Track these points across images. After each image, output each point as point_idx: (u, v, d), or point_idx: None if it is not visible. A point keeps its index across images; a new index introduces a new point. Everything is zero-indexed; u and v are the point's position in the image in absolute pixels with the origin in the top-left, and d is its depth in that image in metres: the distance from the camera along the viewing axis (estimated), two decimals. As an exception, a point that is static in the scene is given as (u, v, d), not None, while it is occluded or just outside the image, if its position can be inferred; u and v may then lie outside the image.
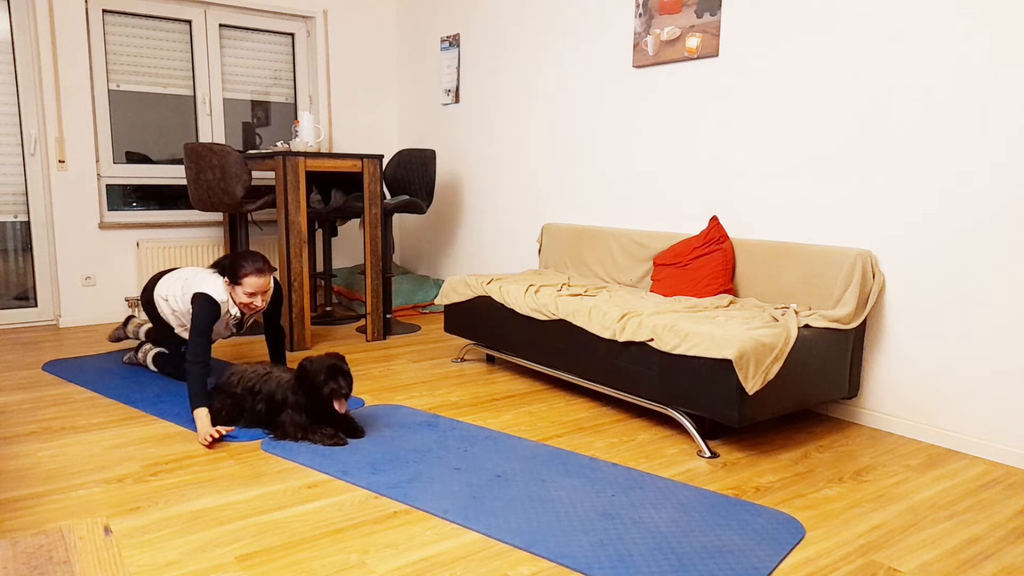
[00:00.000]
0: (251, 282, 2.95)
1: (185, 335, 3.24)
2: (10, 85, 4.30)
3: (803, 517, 2.10)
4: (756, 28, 3.19)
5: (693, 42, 3.43)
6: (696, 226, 3.54)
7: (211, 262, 4.90)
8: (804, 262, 2.95)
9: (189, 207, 4.91)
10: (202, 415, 2.63)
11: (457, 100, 5.00)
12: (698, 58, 3.43)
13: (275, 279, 3.17)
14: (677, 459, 2.53)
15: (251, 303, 2.99)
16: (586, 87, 4.05)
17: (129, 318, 3.76)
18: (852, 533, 2.01)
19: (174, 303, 3.17)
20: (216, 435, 2.55)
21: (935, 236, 2.68)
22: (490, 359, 3.86)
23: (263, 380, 2.72)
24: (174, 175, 4.86)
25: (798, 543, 1.94)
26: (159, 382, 3.31)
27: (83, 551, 1.86)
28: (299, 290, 3.88)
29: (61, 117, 4.37)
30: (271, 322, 3.23)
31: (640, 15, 3.67)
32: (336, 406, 2.56)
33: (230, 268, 2.98)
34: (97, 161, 4.56)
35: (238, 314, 3.08)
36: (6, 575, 1.72)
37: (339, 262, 5.59)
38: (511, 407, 3.07)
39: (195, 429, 2.72)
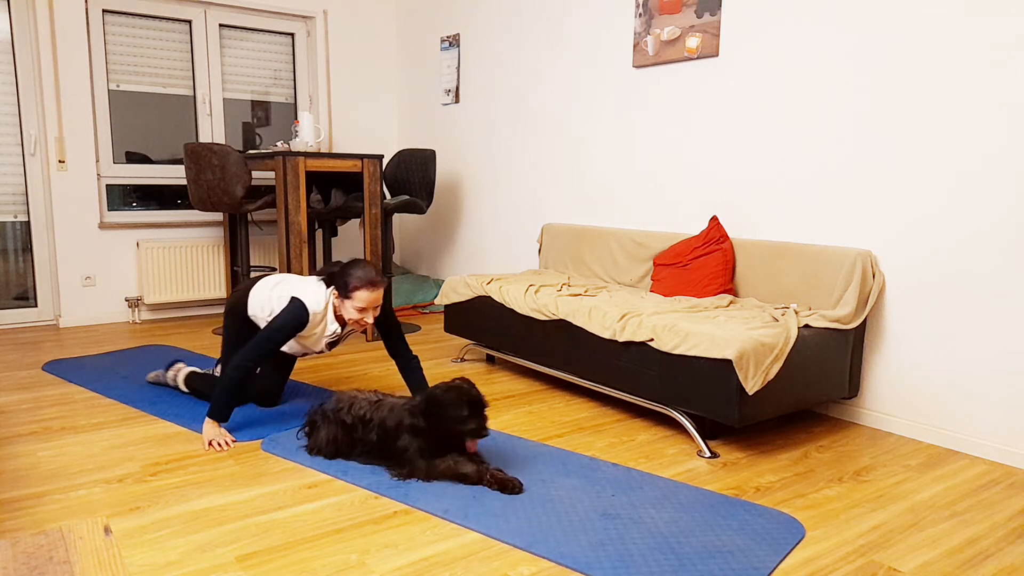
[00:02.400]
0: (362, 296, 2.57)
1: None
2: (10, 85, 4.30)
3: (803, 517, 2.10)
4: (756, 28, 3.19)
5: (693, 42, 3.43)
6: (696, 226, 3.54)
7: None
8: (804, 262, 2.95)
9: (189, 207, 4.91)
10: (215, 424, 2.52)
11: (457, 100, 5.00)
12: (698, 58, 3.43)
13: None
14: (677, 459, 2.53)
15: (361, 319, 2.62)
16: (586, 87, 4.05)
17: (174, 362, 3.28)
18: (852, 533, 2.01)
19: (274, 308, 2.74)
20: (227, 443, 2.48)
21: (935, 236, 2.68)
22: (490, 359, 3.86)
23: (375, 407, 2.41)
24: (174, 175, 4.86)
25: (798, 543, 1.94)
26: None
27: (83, 551, 1.86)
28: (299, 290, 3.87)
29: (61, 117, 4.36)
30: (393, 342, 2.81)
31: (640, 15, 3.67)
32: (469, 446, 2.26)
33: (339, 278, 2.62)
34: (97, 161, 4.56)
35: (338, 330, 2.71)
36: (6, 575, 1.72)
37: (339, 262, 5.58)
38: (511, 407, 3.07)
39: (201, 431, 2.71)
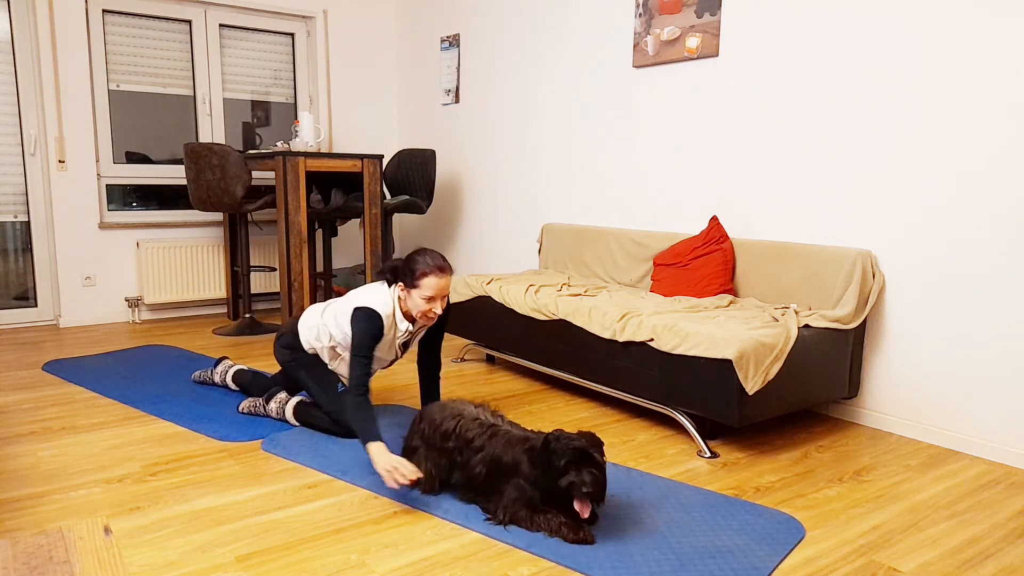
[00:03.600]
0: (430, 283, 2.42)
1: (320, 352, 2.73)
2: (10, 85, 4.30)
3: (803, 517, 2.10)
4: (756, 28, 3.19)
5: (693, 42, 3.43)
6: (696, 226, 3.54)
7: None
8: (804, 262, 2.95)
9: (189, 207, 4.91)
10: (382, 448, 2.16)
11: (457, 100, 5.00)
12: (698, 58, 3.43)
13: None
14: (677, 459, 2.53)
15: (429, 309, 2.46)
16: (586, 87, 4.05)
17: (221, 359, 3.27)
18: (852, 533, 2.01)
19: (332, 332, 2.64)
20: (412, 478, 2.07)
21: (936, 236, 2.68)
22: (490, 359, 3.86)
23: (488, 435, 2.10)
24: (174, 175, 4.86)
25: (798, 543, 1.94)
26: (160, 382, 3.31)
27: (83, 551, 1.86)
28: (299, 290, 3.88)
29: (61, 117, 4.36)
30: (429, 347, 2.72)
31: (640, 15, 3.67)
32: (577, 507, 1.91)
33: (403, 269, 2.49)
34: (97, 161, 4.56)
35: (410, 328, 2.55)
36: (6, 575, 1.72)
37: (339, 262, 5.58)
38: (511, 407, 3.07)
39: (205, 434, 2.71)
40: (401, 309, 2.53)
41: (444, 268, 2.46)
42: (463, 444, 2.13)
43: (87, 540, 1.91)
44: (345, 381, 2.75)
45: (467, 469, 2.10)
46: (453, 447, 2.14)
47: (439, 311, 2.48)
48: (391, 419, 2.86)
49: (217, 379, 3.20)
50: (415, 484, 2.15)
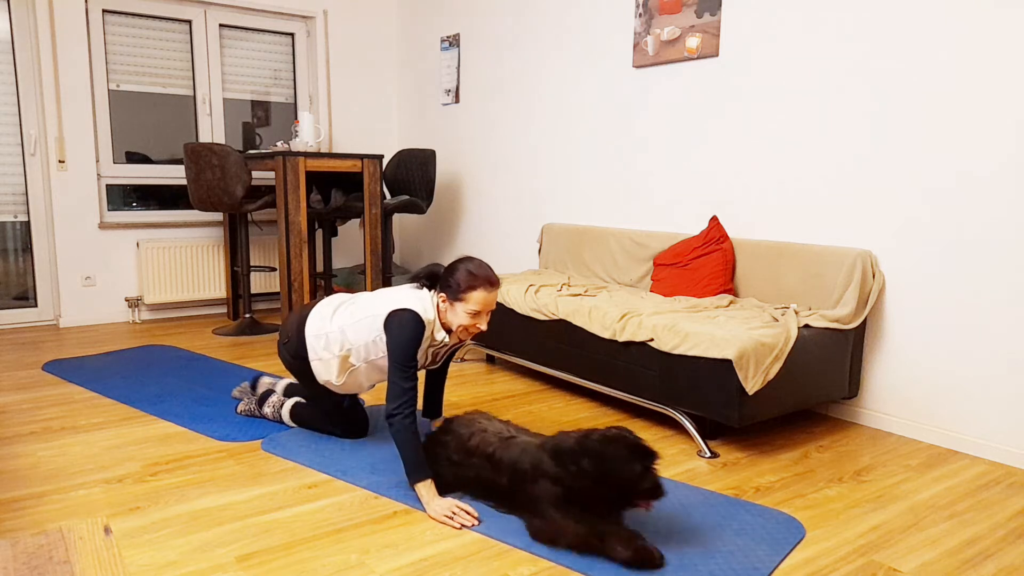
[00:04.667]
0: (478, 297, 2.20)
1: (326, 370, 2.46)
2: (10, 85, 4.30)
3: (803, 517, 2.10)
4: (756, 28, 3.19)
5: (693, 42, 3.43)
6: (696, 226, 3.54)
7: (210, 260, 4.90)
8: (804, 262, 2.95)
9: (189, 207, 4.91)
10: (433, 489, 2.06)
11: (457, 100, 5.00)
12: (698, 58, 3.43)
13: None
14: (677, 459, 2.53)
15: (473, 325, 2.24)
16: (586, 87, 4.05)
17: (257, 379, 2.99)
18: (852, 533, 2.01)
19: (347, 339, 2.38)
20: (470, 521, 1.98)
21: (935, 236, 2.68)
22: (490, 359, 3.86)
23: (504, 446, 2.05)
24: (174, 175, 4.86)
25: (798, 543, 1.94)
26: (160, 382, 3.31)
27: (83, 551, 1.86)
28: (299, 290, 3.88)
29: (61, 117, 4.36)
30: (447, 356, 2.53)
31: (640, 15, 3.67)
32: (642, 504, 1.84)
33: (446, 279, 2.25)
34: (97, 161, 4.56)
35: (446, 340, 2.31)
36: (6, 575, 1.72)
37: (339, 262, 5.58)
38: (511, 407, 3.07)
39: (205, 434, 2.71)
40: (440, 320, 2.29)
41: (494, 282, 2.23)
42: (485, 460, 2.05)
43: (87, 540, 1.91)
44: (363, 390, 2.55)
45: (494, 483, 2.04)
46: (479, 463, 2.06)
47: (483, 327, 2.25)
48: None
49: (268, 411, 2.80)
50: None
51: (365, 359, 2.39)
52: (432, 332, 2.28)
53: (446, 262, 5.23)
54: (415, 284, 2.35)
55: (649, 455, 1.81)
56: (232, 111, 5.06)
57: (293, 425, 2.74)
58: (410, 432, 2.08)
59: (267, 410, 2.80)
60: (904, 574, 1.81)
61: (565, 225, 4.11)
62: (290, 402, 2.76)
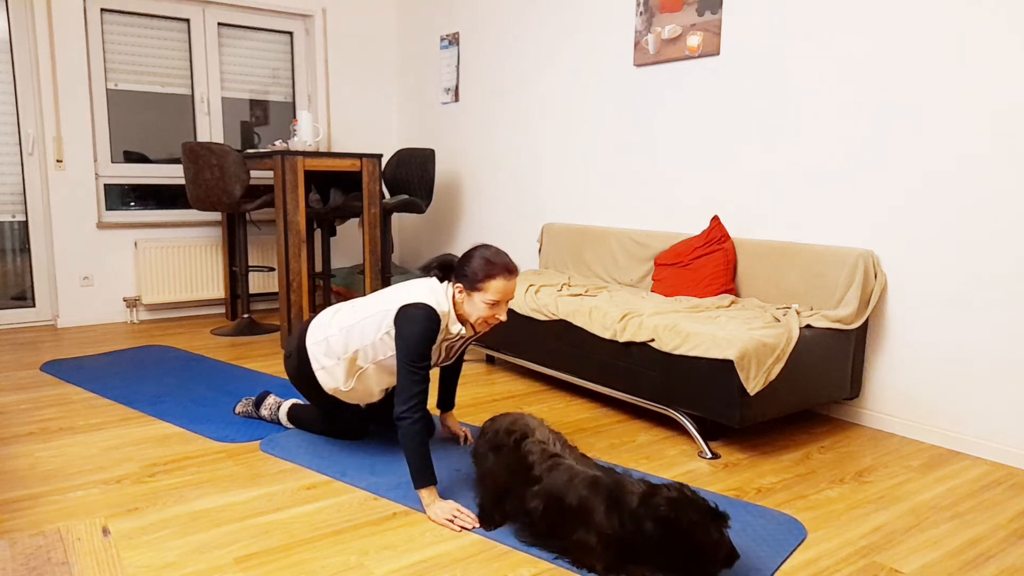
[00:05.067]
0: (497, 286, 2.09)
1: (332, 378, 2.36)
2: (8, 84, 4.29)
3: (805, 518, 2.09)
4: (757, 26, 3.18)
5: (694, 40, 3.42)
6: (697, 226, 3.53)
7: (212, 260, 4.88)
8: (806, 262, 2.95)
9: (187, 207, 4.90)
10: (435, 494, 2.03)
11: (457, 99, 4.99)
12: (699, 57, 3.42)
13: None
14: (678, 460, 2.52)
15: (492, 315, 2.14)
16: (587, 85, 4.04)
17: (264, 398, 2.81)
18: (854, 534, 2.00)
19: (351, 339, 2.27)
20: (470, 524, 1.95)
21: (938, 236, 2.67)
22: (490, 359, 3.85)
23: (548, 465, 1.85)
24: (172, 175, 4.85)
25: (800, 544, 1.94)
26: (158, 382, 3.30)
27: (81, 552, 1.85)
28: (298, 290, 3.87)
29: (59, 116, 4.35)
30: (460, 350, 2.41)
31: (641, 13, 3.66)
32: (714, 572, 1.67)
33: (462, 268, 2.15)
34: (95, 161, 4.54)
35: (462, 332, 2.20)
36: (3, 577, 1.71)
37: (338, 262, 5.57)
38: (511, 407, 3.06)
39: (203, 434, 2.70)
40: (456, 311, 2.18)
41: (512, 269, 2.11)
42: (520, 467, 1.87)
43: (85, 541, 1.90)
44: (374, 397, 2.45)
45: (523, 503, 1.85)
46: (508, 465, 1.90)
47: (503, 317, 2.15)
48: (390, 419, 2.84)
49: (265, 414, 2.77)
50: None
51: (374, 359, 2.26)
52: (447, 325, 2.16)
53: (445, 262, 5.22)
54: (427, 275, 2.24)
55: (722, 519, 1.65)
56: (230, 110, 5.05)
57: (290, 426, 2.72)
58: (419, 437, 2.02)
59: (264, 412, 2.78)
60: (906, 575, 1.80)
61: (565, 225, 4.10)
62: (287, 403, 2.74)
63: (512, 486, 1.89)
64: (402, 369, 2.05)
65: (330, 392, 2.39)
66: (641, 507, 1.68)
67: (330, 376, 2.35)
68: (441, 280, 2.21)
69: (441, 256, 2.23)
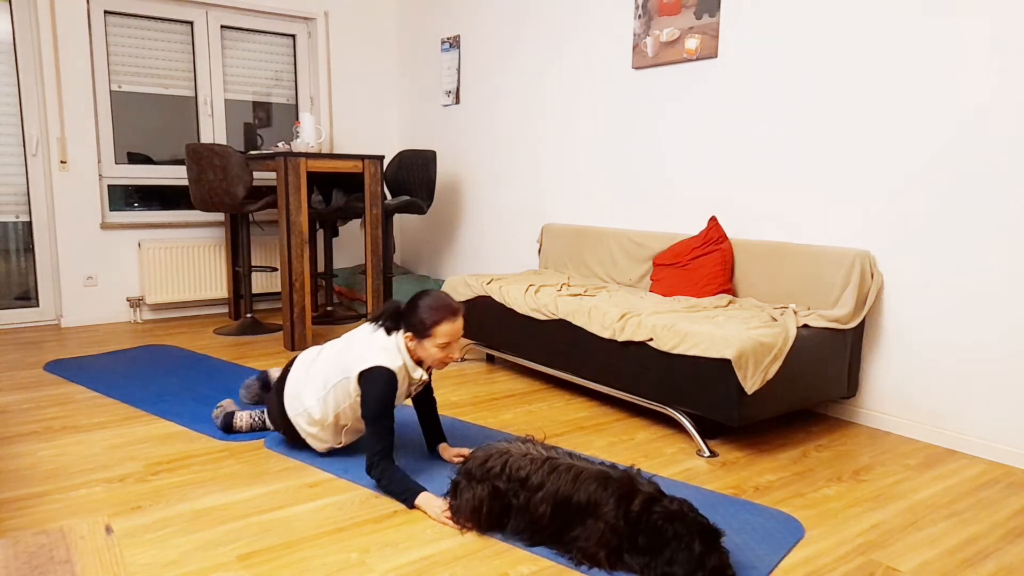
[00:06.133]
0: (445, 330, 2.20)
1: (323, 442, 2.43)
2: (12, 86, 4.31)
3: (802, 516, 2.10)
4: (755, 29, 3.19)
5: (692, 43, 3.43)
6: (695, 226, 3.54)
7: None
8: (803, 262, 2.96)
9: (190, 207, 4.92)
10: (430, 497, 2.08)
11: (457, 101, 5.00)
12: (697, 59, 3.43)
13: None
14: (676, 458, 2.53)
15: (445, 356, 2.24)
16: (586, 88, 4.05)
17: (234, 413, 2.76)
18: (851, 532, 2.01)
19: (329, 408, 2.35)
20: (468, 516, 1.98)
21: (934, 236, 2.68)
22: (490, 359, 3.86)
23: (546, 469, 1.87)
24: (175, 176, 4.87)
25: (797, 542, 1.95)
26: (161, 382, 3.32)
27: (84, 550, 1.86)
28: (300, 290, 3.89)
29: (63, 118, 4.37)
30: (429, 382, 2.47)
31: (639, 16, 3.67)
32: None
33: (409, 317, 2.23)
34: (99, 161, 4.57)
35: (423, 375, 2.31)
36: (7, 574, 1.73)
37: (340, 262, 5.59)
38: (511, 406, 3.07)
39: (206, 433, 2.72)
40: (412, 357, 2.28)
41: (456, 311, 2.22)
42: (517, 485, 1.88)
43: (88, 539, 1.92)
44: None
45: (528, 512, 1.86)
46: (504, 488, 1.90)
47: (456, 356, 2.26)
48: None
49: (244, 425, 2.71)
50: (455, 517, 1.98)
51: (355, 416, 2.36)
52: (408, 374, 2.27)
53: (447, 262, 5.25)
54: (378, 326, 2.31)
55: (711, 533, 1.69)
56: (233, 112, 5.07)
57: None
58: (389, 471, 2.13)
59: (240, 423, 2.68)
60: (903, 573, 1.81)
61: (565, 225, 4.11)
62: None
63: (512, 505, 1.91)
64: (367, 428, 2.17)
65: (326, 450, 2.46)
66: (644, 512, 1.74)
67: (320, 441, 2.44)
68: (391, 331, 2.27)
69: (388, 306, 2.30)
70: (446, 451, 2.47)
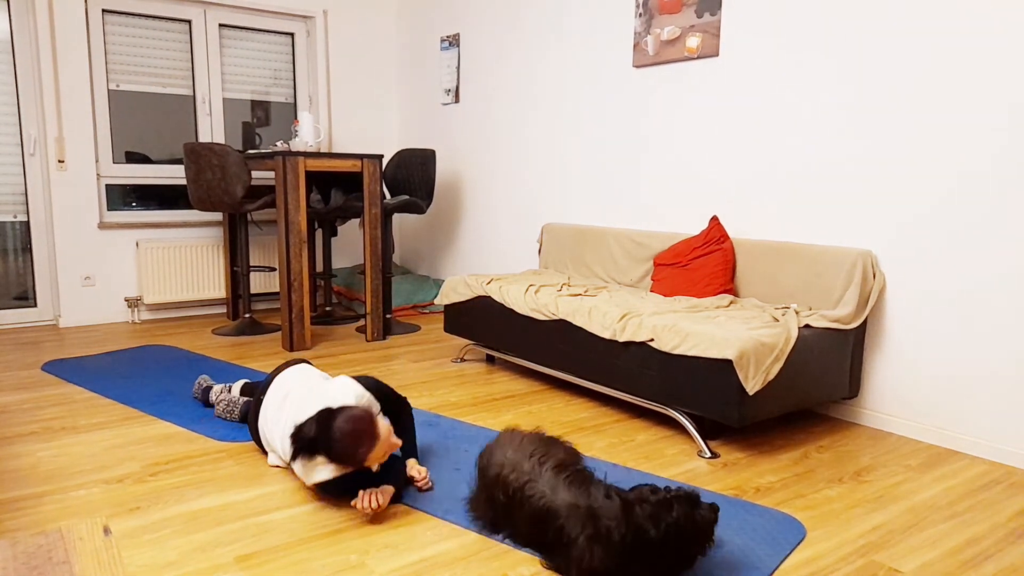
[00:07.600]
0: (340, 471, 2.07)
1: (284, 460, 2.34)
2: (10, 85, 4.30)
3: (804, 517, 2.09)
4: (756, 28, 3.18)
5: (693, 42, 3.43)
6: (696, 226, 3.53)
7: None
8: (804, 262, 2.95)
9: (189, 207, 4.91)
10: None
11: (457, 100, 5.00)
12: (698, 58, 3.42)
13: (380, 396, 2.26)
14: (677, 459, 2.52)
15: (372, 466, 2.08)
16: (586, 87, 4.04)
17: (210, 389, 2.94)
18: (853, 533, 2.01)
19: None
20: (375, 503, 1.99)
21: (936, 236, 2.68)
22: (490, 359, 3.85)
23: (519, 499, 1.82)
24: (174, 175, 4.86)
25: (799, 543, 1.94)
26: (160, 382, 3.31)
27: (83, 551, 1.85)
28: (299, 290, 3.88)
29: (61, 117, 4.36)
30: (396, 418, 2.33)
31: (640, 15, 3.66)
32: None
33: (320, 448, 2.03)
34: (97, 161, 4.56)
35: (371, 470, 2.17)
36: (6, 575, 1.72)
37: (339, 262, 5.58)
38: (511, 407, 3.07)
39: (204, 434, 2.72)
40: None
41: (351, 456, 1.98)
42: (517, 492, 1.83)
43: (87, 540, 1.91)
44: None
45: (519, 524, 1.85)
46: (504, 500, 1.86)
47: (375, 468, 2.06)
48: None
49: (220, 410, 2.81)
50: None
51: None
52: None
53: (447, 262, 5.24)
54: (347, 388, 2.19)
55: (696, 503, 1.66)
56: (232, 111, 5.06)
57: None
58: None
59: (218, 410, 2.81)
60: (904, 574, 1.81)
61: (565, 225, 4.11)
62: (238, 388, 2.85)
63: (511, 515, 1.88)
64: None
65: (319, 483, 2.21)
66: (624, 521, 1.64)
67: (308, 476, 2.14)
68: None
69: (306, 435, 2.02)
70: (410, 468, 2.25)
